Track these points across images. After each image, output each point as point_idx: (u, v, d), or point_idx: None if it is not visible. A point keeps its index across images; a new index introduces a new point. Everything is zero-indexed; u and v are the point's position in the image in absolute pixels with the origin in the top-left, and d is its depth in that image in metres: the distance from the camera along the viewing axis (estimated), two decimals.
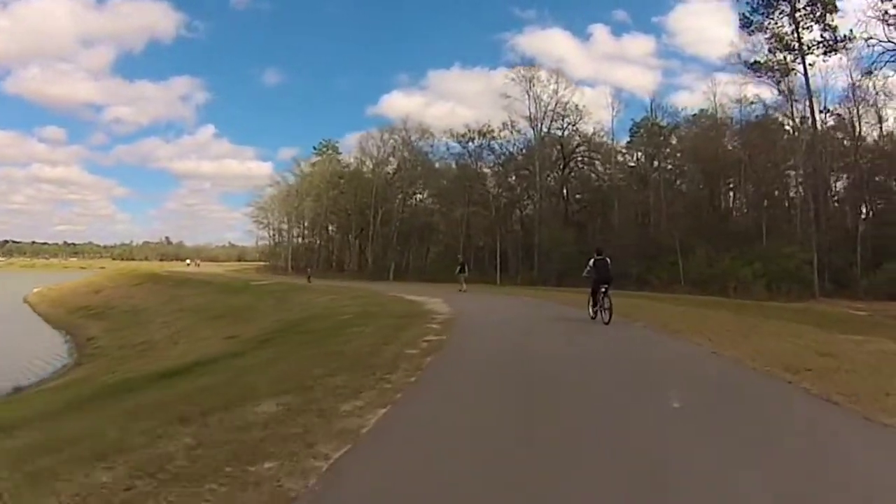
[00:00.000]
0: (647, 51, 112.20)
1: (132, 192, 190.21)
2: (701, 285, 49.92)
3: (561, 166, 74.11)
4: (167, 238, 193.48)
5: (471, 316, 21.55)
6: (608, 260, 18.19)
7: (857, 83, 53.59)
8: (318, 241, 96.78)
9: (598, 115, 72.56)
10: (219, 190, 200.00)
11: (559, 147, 73.82)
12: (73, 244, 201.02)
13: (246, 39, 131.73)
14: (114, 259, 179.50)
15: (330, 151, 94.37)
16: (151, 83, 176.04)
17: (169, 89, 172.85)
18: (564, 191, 76.03)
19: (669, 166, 70.95)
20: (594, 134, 72.42)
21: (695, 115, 69.27)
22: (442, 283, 49.19)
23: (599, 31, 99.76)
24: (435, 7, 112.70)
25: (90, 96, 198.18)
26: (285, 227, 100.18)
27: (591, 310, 18.16)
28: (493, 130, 75.01)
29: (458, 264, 42.87)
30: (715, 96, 65.82)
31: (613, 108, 72.70)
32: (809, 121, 55.14)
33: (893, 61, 49.32)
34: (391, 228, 78.57)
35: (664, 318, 20.06)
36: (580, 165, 75.95)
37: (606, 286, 17.49)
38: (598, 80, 78.17)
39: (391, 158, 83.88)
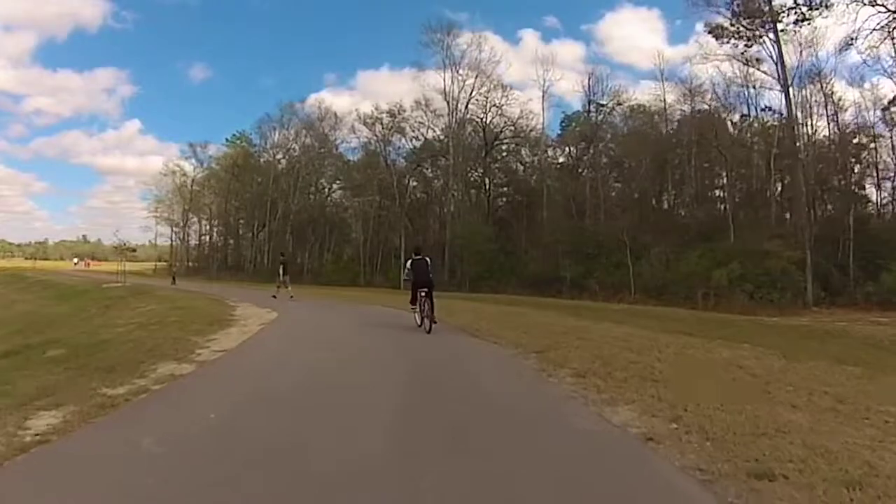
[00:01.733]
0: (578, 57, 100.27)
1: (52, 187, 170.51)
2: (657, 292, 35.58)
3: (483, 154, 58.41)
4: (84, 236, 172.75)
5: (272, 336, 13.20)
6: (428, 261, 14.57)
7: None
8: (222, 239, 79.09)
9: (526, 119, 58.89)
10: (143, 187, 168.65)
11: (481, 132, 58.57)
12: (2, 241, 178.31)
13: (173, 33, 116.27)
14: (26, 258, 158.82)
15: (243, 143, 76.21)
16: (75, 73, 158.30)
17: (93, 81, 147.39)
18: (486, 183, 61.01)
19: (605, 159, 56.02)
20: (521, 117, 57.23)
21: (634, 106, 55.54)
22: (338, 288, 39.63)
23: (530, 36, 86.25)
24: (366, 6, 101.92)
25: (8, 85, 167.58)
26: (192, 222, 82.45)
27: (416, 316, 14.22)
28: (404, 111, 59.54)
29: (279, 263, 29.55)
30: (662, 74, 51.83)
31: (544, 98, 57.71)
32: (783, 98, 41.56)
33: (880, 28, 35.84)
34: (287, 224, 61.66)
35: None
36: (505, 154, 61.18)
37: (426, 290, 13.75)
38: (527, 84, 64.96)
39: (294, 145, 67.25)
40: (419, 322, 14.06)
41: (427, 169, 61.91)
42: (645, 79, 72.06)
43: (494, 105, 57.24)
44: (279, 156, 68.04)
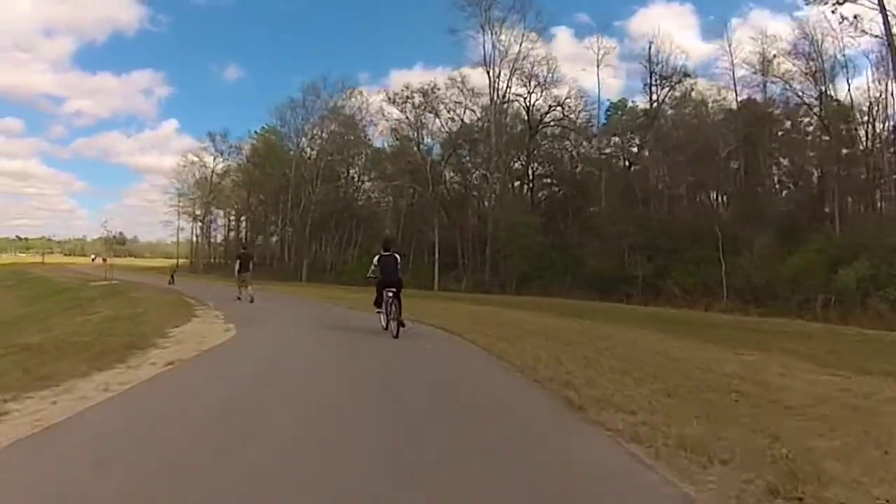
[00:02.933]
0: (612, 54, 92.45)
1: (91, 186, 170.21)
2: (755, 297, 27.65)
3: (526, 139, 50.32)
4: (120, 233, 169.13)
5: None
6: (398, 257, 12.08)
7: None
8: (245, 234, 72.30)
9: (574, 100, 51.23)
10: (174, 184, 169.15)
11: (524, 114, 50.69)
12: (26, 238, 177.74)
13: (207, 34, 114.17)
14: (65, 255, 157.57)
15: (268, 134, 68.67)
16: (113, 76, 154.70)
17: (130, 82, 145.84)
18: (530, 172, 53.14)
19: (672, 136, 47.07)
20: (568, 97, 49.18)
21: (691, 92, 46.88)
22: (354, 290, 30.26)
23: (563, 34, 78.77)
24: (397, 5, 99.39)
25: (50, 87, 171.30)
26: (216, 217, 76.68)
27: (381, 319, 11.94)
28: (438, 89, 51.98)
29: (236, 258, 23.62)
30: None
31: (600, 67, 49.71)
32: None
33: None
34: (307, 216, 54.61)
35: None
36: (550, 140, 52.80)
37: (394, 290, 11.32)
38: (562, 80, 56.92)
39: (318, 131, 59.94)
40: (385, 325, 11.78)
41: (465, 157, 54.27)
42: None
43: (539, 83, 49.48)
44: (303, 143, 60.91)
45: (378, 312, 12.13)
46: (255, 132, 68.41)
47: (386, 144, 59.16)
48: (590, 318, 17.78)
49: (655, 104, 46.75)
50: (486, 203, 51.14)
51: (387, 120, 55.71)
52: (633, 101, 51.27)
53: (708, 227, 32.80)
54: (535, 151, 51.63)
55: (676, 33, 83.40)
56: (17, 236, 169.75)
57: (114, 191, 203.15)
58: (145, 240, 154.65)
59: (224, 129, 71.00)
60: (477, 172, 53.92)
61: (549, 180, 53.94)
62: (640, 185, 43.60)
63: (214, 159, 71.03)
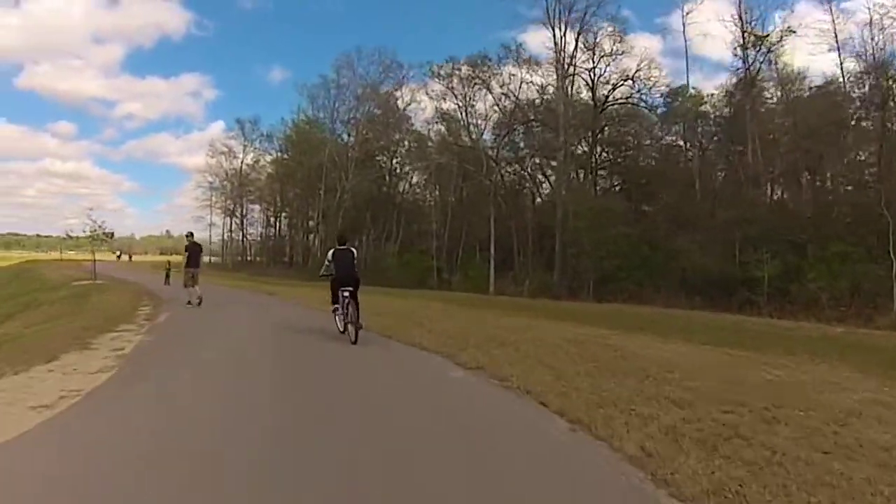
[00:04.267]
0: (655, 50, 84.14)
1: (141, 186, 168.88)
2: None
3: (590, 118, 41.68)
4: (168, 231, 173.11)
5: None
6: (353, 252, 10.56)
7: None
8: (276, 230, 66.28)
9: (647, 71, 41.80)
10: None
11: (589, 88, 42.10)
12: (77, 237, 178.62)
13: (252, 37, 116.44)
14: (112, 252, 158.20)
15: (303, 122, 61.32)
16: (161, 80, 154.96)
17: (178, 86, 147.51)
18: (593, 159, 44.01)
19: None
20: (639, 70, 40.55)
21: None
22: (396, 292, 25.93)
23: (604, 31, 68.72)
24: (440, 4, 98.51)
25: (101, 92, 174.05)
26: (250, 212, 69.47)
27: (337, 321, 10.44)
28: (489, 60, 43.95)
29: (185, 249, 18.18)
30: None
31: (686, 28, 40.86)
32: None
33: None
34: (340, 208, 47.23)
35: None
36: (617, 120, 43.79)
37: (351, 289, 9.88)
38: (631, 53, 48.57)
39: (354, 114, 52.13)
40: (342, 328, 10.21)
41: (519, 140, 46.23)
42: (723, 72, 56.01)
43: (606, 54, 40.88)
44: (337, 126, 53.42)
45: (334, 313, 10.45)
46: (288, 120, 61.59)
47: (431, 132, 51.55)
48: (751, 348, 9.79)
49: (749, 72, 37.81)
50: (542, 192, 43.29)
51: (431, 97, 47.88)
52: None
53: (860, 212, 24.06)
54: (602, 133, 43.07)
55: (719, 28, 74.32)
56: (67, 234, 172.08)
57: (163, 191, 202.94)
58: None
59: (254, 117, 64.68)
60: (534, 158, 46.13)
61: (620, 160, 45.08)
62: (741, 167, 34.80)
63: (245, 148, 64.63)
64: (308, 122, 56.90)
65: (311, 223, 59.01)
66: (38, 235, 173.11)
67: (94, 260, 33.57)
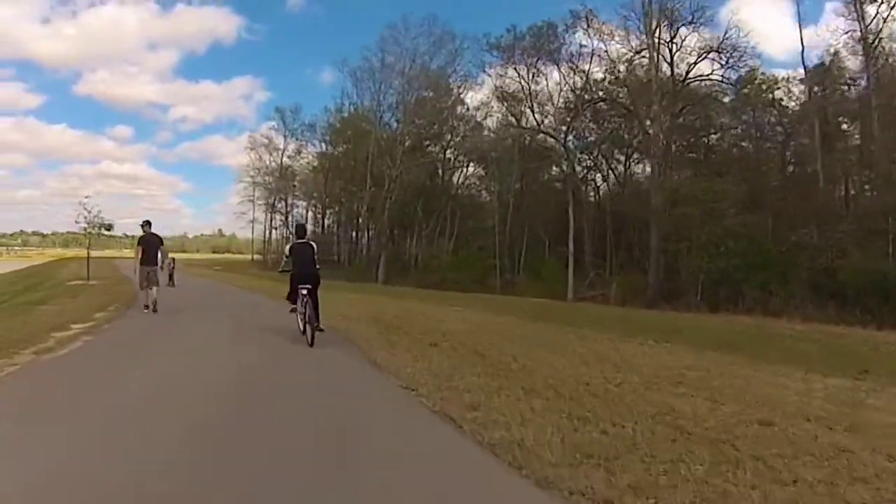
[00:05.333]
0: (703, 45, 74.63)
1: (196, 187, 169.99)
2: None
3: (670, 97, 34.36)
4: (220, 230, 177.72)
5: None
6: (314, 246, 9.70)
7: None
8: (323, 225, 60.84)
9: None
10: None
11: (668, 53, 35.34)
12: (133, 236, 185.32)
13: (302, 41, 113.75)
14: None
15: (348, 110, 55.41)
16: (214, 83, 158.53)
17: (231, 89, 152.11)
18: (674, 145, 36.77)
19: None
20: (728, 36, 33.67)
21: None
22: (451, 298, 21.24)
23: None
24: (492, 6, 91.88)
25: (156, 97, 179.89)
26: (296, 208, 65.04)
27: (298, 321, 9.57)
28: (554, 27, 37.77)
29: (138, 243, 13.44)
30: None
31: None
32: None
33: None
34: (389, 197, 41.54)
35: None
36: (697, 102, 36.22)
37: (310, 287, 9.10)
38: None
39: (402, 96, 45.71)
40: (302, 329, 9.34)
41: (586, 125, 40.00)
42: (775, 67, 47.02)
43: (687, 22, 33.95)
44: (382, 110, 47.78)
45: (293, 311, 9.59)
46: (331, 107, 56.53)
47: (488, 117, 45.80)
48: None
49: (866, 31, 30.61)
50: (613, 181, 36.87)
51: (488, 73, 41.91)
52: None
53: None
54: (682, 114, 36.19)
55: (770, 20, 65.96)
56: (124, 234, 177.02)
57: (217, 191, 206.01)
58: (244, 237, 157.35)
59: (295, 105, 60.14)
60: (603, 143, 39.88)
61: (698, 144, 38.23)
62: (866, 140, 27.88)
63: (286, 139, 60.43)
64: (353, 106, 51.84)
65: (359, 220, 54.18)
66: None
67: (89, 256, 28.76)
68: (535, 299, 23.63)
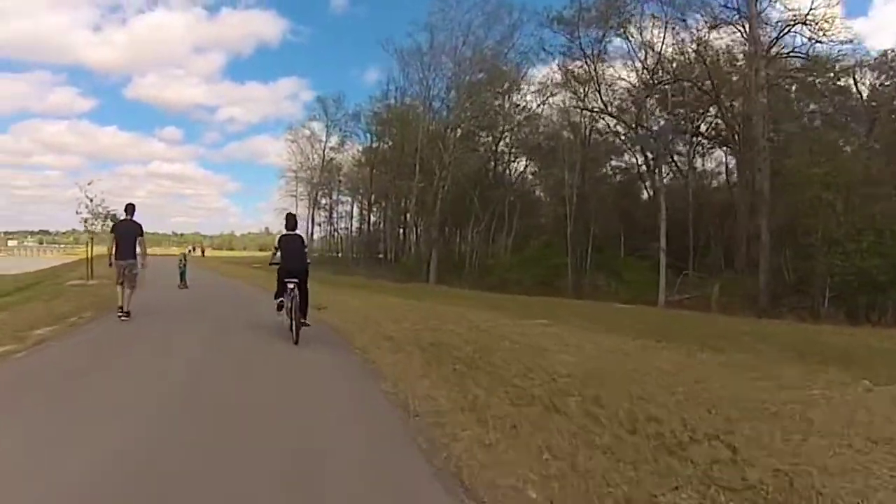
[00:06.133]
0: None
1: (243, 186, 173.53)
2: None
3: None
4: (266, 228, 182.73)
5: None
6: (303, 238, 9.23)
7: None
8: (367, 221, 57.47)
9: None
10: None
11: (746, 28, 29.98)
12: (181, 234, 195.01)
13: (346, 41, 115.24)
14: (214, 248, 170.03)
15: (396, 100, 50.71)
16: (260, 84, 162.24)
17: (277, 90, 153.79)
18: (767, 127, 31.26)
19: None
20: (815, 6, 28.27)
21: None
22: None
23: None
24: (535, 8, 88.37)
25: (203, 98, 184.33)
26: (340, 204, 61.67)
27: (285, 317, 8.71)
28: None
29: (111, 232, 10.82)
30: None
31: None
32: None
33: None
34: (441, 188, 37.50)
35: None
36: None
37: (296, 280, 8.40)
38: None
39: (454, 80, 41.15)
40: (289, 324, 8.45)
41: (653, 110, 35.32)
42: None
43: None
44: (432, 98, 43.89)
45: (280, 307, 8.64)
46: (377, 95, 52.86)
47: (545, 108, 41.46)
48: None
49: None
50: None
51: (549, 52, 37.51)
52: None
53: None
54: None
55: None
56: (173, 232, 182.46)
57: (263, 189, 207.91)
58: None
59: (337, 94, 56.67)
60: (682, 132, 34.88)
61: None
62: None
63: (328, 131, 55.93)
64: (399, 92, 48.02)
65: (407, 216, 50.45)
66: (145, 232, 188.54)
67: (90, 257, 22.15)
68: (622, 305, 19.47)
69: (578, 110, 38.09)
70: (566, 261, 29.90)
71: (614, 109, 36.54)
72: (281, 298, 8.54)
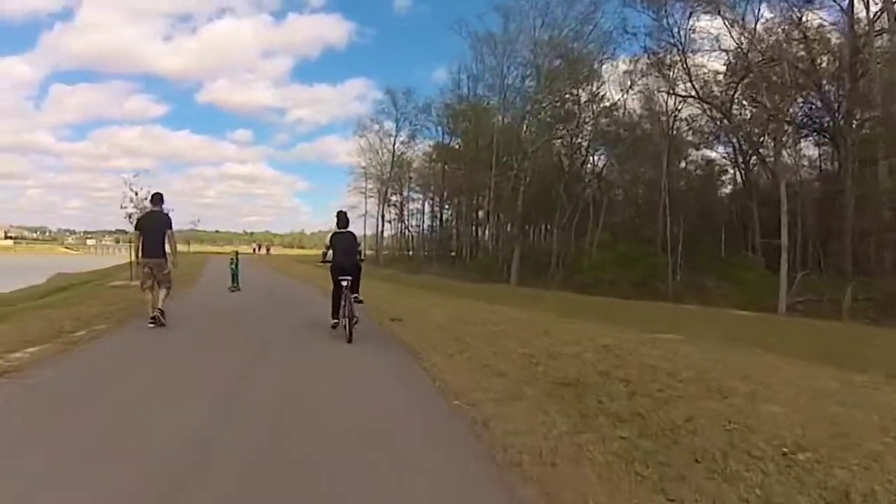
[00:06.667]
0: None
1: (313, 185, 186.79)
2: None
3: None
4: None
5: None
6: (355, 235, 8.89)
7: None
8: (439, 218, 55.83)
9: None
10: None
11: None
12: (252, 233, 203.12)
13: (411, 41, 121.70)
14: (284, 246, 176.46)
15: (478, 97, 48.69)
16: (328, 86, 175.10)
17: (344, 91, 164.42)
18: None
19: None
20: None
21: None
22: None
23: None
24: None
25: (273, 101, 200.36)
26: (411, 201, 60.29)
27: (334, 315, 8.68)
28: None
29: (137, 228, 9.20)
30: None
31: None
32: None
33: None
34: (520, 188, 35.26)
35: None
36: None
37: (350, 278, 8.14)
38: None
39: (532, 64, 39.06)
40: (334, 324, 8.53)
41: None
42: None
43: None
44: (507, 86, 41.65)
45: (334, 327, 8.49)
46: (448, 85, 51.08)
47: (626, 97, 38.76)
48: None
49: None
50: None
51: (631, 32, 34.58)
52: None
53: None
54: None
55: None
56: (244, 231, 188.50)
57: (333, 188, 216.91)
58: (359, 233, 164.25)
59: (407, 87, 55.24)
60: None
61: None
62: None
63: (397, 124, 53.74)
64: (472, 81, 46.04)
65: (478, 213, 48.55)
66: (216, 231, 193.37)
67: (136, 259, 19.95)
68: (741, 312, 17.04)
69: (662, 99, 35.51)
70: (664, 260, 27.07)
71: (704, 95, 33.70)
72: (336, 320, 8.37)
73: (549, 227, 35.60)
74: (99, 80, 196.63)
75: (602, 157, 42.53)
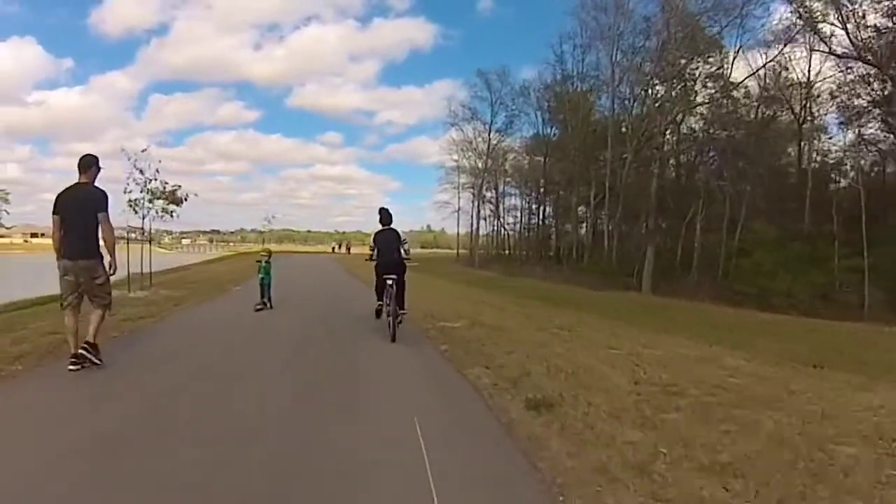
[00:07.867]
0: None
1: (404, 185, 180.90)
2: None
3: None
4: (428, 226, 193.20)
5: None
6: (399, 234, 8.34)
7: None
8: (539, 216, 50.79)
9: None
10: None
11: None
12: (343, 232, 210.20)
13: (496, 42, 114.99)
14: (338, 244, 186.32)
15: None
16: (416, 88, 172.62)
17: (432, 92, 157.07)
18: None
19: None
20: None
21: None
22: None
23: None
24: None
25: (361, 104, 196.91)
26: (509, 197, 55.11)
27: (383, 314, 8.32)
28: None
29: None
30: None
31: None
32: None
33: None
34: (654, 173, 29.63)
35: None
36: None
37: (395, 277, 7.82)
38: None
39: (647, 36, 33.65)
40: (389, 325, 7.70)
41: None
42: None
43: None
44: (616, 69, 35.98)
45: (379, 305, 8.34)
46: (549, 63, 45.30)
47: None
48: None
49: None
50: None
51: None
52: None
53: None
54: None
55: None
56: (335, 230, 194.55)
57: (425, 188, 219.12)
58: (453, 231, 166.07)
59: (501, 68, 50.24)
60: None
61: None
62: None
63: (492, 109, 48.69)
64: (581, 55, 40.63)
65: (578, 210, 43.00)
66: (308, 231, 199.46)
67: (150, 251, 15.47)
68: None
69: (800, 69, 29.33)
70: (857, 263, 20.50)
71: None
72: (379, 303, 8.17)
73: (680, 223, 29.37)
74: (194, 89, 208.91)
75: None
